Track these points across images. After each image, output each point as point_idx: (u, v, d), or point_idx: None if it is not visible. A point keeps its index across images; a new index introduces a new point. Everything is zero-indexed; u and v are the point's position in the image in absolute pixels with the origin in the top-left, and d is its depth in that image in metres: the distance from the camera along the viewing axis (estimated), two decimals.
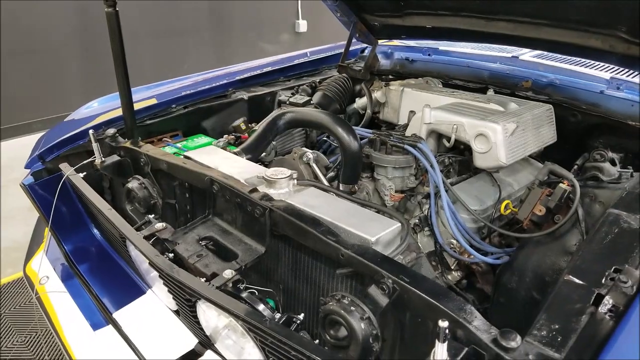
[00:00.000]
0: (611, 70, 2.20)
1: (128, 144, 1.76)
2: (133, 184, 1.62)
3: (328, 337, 1.06)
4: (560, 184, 1.47)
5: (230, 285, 1.15)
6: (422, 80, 2.26)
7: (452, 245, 1.71)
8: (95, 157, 1.73)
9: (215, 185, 1.39)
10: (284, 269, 1.32)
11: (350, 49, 2.64)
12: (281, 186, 1.38)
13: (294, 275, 1.32)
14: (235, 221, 1.41)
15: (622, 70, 2.17)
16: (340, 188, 1.74)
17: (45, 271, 1.83)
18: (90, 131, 1.70)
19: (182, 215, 1.66)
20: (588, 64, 2.28)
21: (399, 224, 1.22)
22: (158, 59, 6.15)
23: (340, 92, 2.26)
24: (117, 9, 1.64)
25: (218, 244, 1.38)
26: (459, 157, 1.86)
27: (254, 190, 1.33)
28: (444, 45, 2.68)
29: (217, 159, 1.58)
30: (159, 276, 1.28)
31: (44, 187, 1.77)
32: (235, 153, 1.69)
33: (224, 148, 1.91)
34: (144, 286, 1.66)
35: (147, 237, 1.32)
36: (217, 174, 1.42)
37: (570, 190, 1.46)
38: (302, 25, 7.56)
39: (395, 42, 2.85)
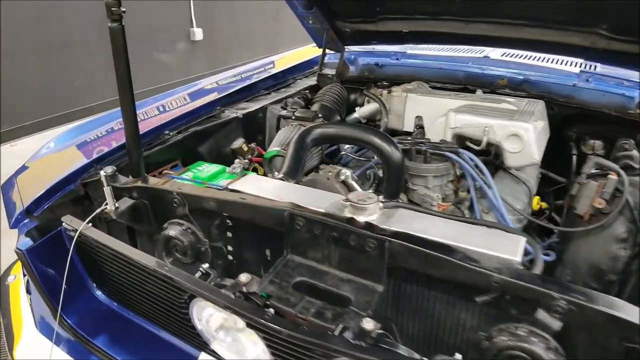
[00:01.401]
0: (578, 65, 2.38)
1: (140, 183, 1.49)
2: (174, 230, 1.37)
3: None
4: (610, 176, 1.54)
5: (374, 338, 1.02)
6: (415, 85, 2.24)
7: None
8: (106, 204, 1.43)
9: (299, 220, 1.23)
10: (384, 303, 1.21)
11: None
12: (371, 212, 1.25)
13: (395, 309, 1.22)
14: (328, 258, 1.24)
15: (589, 64, 2.36)
16: None
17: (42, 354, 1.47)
18: (102, 172, 1.41)
19: (224, 258, 1.45)
20: (555, 60, 2.44)
21: (524, 238, 1.17)
22: (44, 76, 5.45)
23: (338, 101, 2.16)
24: (123, 23, 1.38)
25: (315, 289, 1.21)
26: (488, 159, 1.87)
27: (352, 220, 1.20)
28: (411, 49, 2.70)
29: (271, 189, 1.40)
30: (265, 339, 1.09)
31: (45, 250, 1.42)
32: (280, 179, 1.51)
33: (243, 174, 1.72)
34: (181, 345, 1.42)
35: (240, 294, 1.12)
36: (293, 207, 1.26)
37: (617, 181, 1.54)
38: (198, 34, 7.21)
39: (357, 48, 2.81)
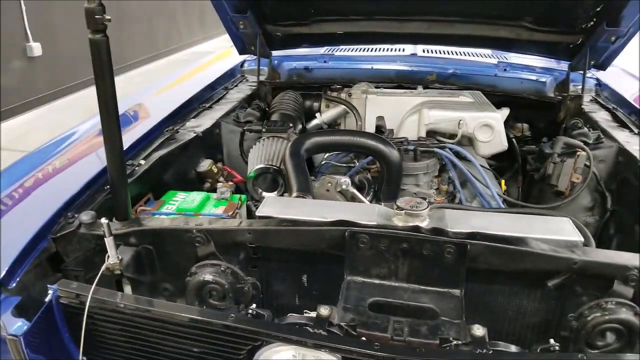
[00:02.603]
0: (495, 56, 2.61)
1: (137, 227, 1.25)
2: (209, 274, 1.16)
3: (594, 350, 1.04)
4: (580, 153, 1.71)
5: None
6: (363, 85, 2.23)
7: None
8: (109, 259, 1.17)
9: (363, 237, 1.14)
10: None
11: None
12: (424, 217, 1.22)
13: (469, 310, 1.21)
14: (395, 272, 1.17)
15: (502, 55, 2.61)
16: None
17: None
18: (103, 220, 1.14)
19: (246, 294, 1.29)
20: (472, 53, 2.65)
21: (567, 218, 1.24)
22: None
23: (297, 109, 2.06)
24: (107, 35, 1.13)
25: (392, 307, 1.13)
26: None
27: (418, 228, 1.15)
28: (338, 51, 2.69)
29: (302, 210, 1.27)
30: None
31: (39, 329, 1.09)
32: (298, 197, 1.38)
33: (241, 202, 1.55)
34: None
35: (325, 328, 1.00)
36: (352, 224, 1.16)
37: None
38: (36, 49, 6.31)
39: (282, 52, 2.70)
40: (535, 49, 2.29)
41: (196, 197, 1.56)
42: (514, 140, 2.24)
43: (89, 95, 6.99)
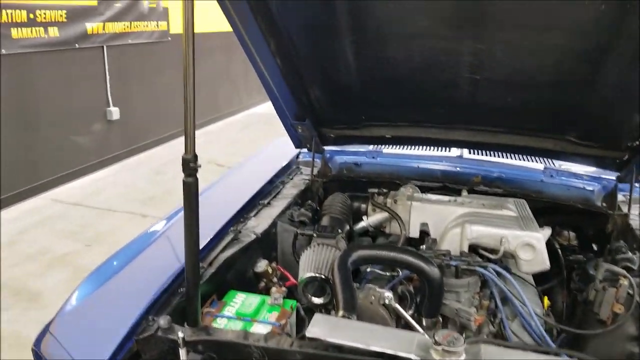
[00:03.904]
0: (542, 161, 2.70)
1: (206, 336, 1.42)
2: None
3: None
4: (622, 281, 1.76)
5: None
6: (409, 189, 2.38)
7: None
8: None
9: None
10: None
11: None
12: (460, 353, 1.31)
13: None
14: None
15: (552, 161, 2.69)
16: (424, 323, 1.73)
17: None
18: (180, 334, 1.32)
19: None
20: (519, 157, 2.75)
21: None
22: None
23: (345, 212, 2.23)
24: (197, 177, 1.36)
25: None
26: (503, 266, 2.02)
27: None
28: (386, 148, 2.87)
29: (347, 333, 1.40)
30: None
31: None
32: (343, 317, 1.52)
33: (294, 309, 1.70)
34: None
35: None
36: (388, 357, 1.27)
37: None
38: (115, 113, 6.94)
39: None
40: (581, 160, 2.37)
41: (253, 300, 1.73)
42: (559, 250, 2.30)
43: (155, 154, 7.54)
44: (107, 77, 6.72)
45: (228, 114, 10.30)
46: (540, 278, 2.17)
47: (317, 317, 1.53)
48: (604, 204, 2.38)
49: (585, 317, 1.83)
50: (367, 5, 1.78)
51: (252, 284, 1.95)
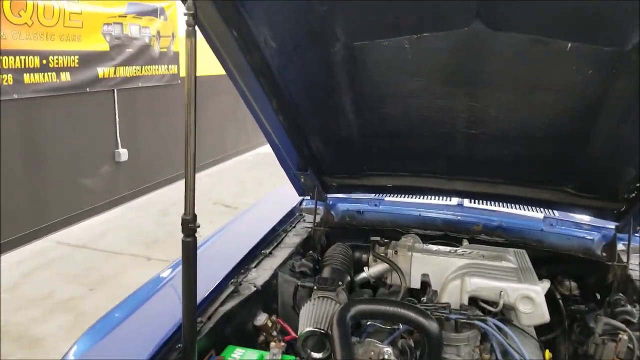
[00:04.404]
0: (542, 210, 2.72)
1: None
2: None
3: None
4: (622, 336, 1.75)
5: None
6: (411, 239, 2.40)
7: None
8: None
9: None
10: None
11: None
12: None
13: None
14: None
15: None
16: None
17: None
18: None
19: None
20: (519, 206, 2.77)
21: None
22: None
23: (346, 262, 2.25)
24: (196, 237, 1.40)
25: None
26: (504, 319, 2.02)
27: None
28: (388, 196, 2.91)
29: None
30: None
31: None
32: None
33: None
34: None
35: None
36: None
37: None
38: (123, 155, 7.06)
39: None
40: (580, 211, 2.39)
41: (251, 356, 1.73)
42: (560, 301, 2.29)
43: (162, 194, 7.62)
44: (117, 119, 6.88)
45: (235, 154, 10.44)
46: (542, 329, 2.15)
47: None
48: (604, 254, 2.39)
49: None
50: (365, 68, 1.85)
51: (252, 337, 1.95)
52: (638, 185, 2.12)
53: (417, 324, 1.70)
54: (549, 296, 2.35)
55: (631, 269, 2.27)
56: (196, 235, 1.42)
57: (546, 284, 1.94)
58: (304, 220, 2.85)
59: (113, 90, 6.74)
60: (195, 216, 1.40)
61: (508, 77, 1.76)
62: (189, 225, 1.39)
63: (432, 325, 1.70)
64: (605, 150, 2.00)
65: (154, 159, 7.80)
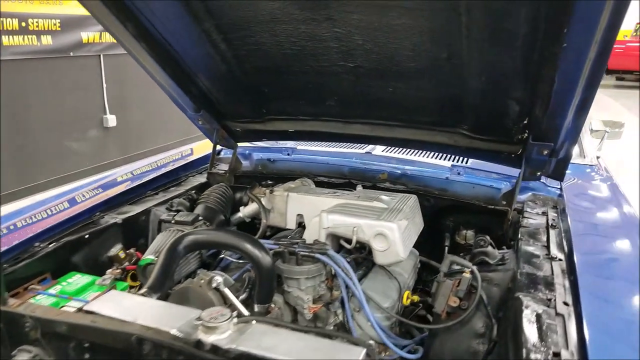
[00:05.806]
0: (450, 159, 2.60)
1: None
2: (21, 357, 1.29)
3: None
4: (465, 274, 1.65)
5: None
6: (299, 182, 2.34)
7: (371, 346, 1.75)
8: None
9: (147, 344, 1.21)
10: None
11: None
12: (223, 330, 1.26)
13: None
14: None
15: (459, 159, 2.59)
16: (256, 309, 1.68)
17: None
18: None
19: None
20: (430, 155, 2.65)
21: (364, 349, 1.21)
22: None
23: (222, 202, 2.20)
24: None
25: None
26: (361, 256, 1.95)
27: (199, 342, 1.19)
28: (301, 145, 2.84)
29: (128, 308, 1.37)
30: None
31: None
32: (143, 295, 1.49)
33: (112, 287, 1.68)
34: None
35: None
36: (143, 330, 1.24)
37: (472, 278, 1.66)
38: (111, 120, 7.15)
39: (250, 144, 2.92)
40: (481, 155, 2.26)
41: (83, 280, 1.72)
42: (446, 248, 2.20)
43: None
44: (104, 84, 6.95)
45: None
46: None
47: (110, 293, 1.51)
48: (504, 202, 2.26)
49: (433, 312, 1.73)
50: None
51: (107, 268, 1.94)
52: (525, 122, 1.99)
53: (249, 254, 1.65)
54: (438, 243, 2.28)
55: (526, 217, 2.14)
56: None
57: (403, 223, 1.85)
58: (216, 167, 2.81)
59: (99, 56, 6.80)
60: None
61: None
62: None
63: (263, 256, 1.65)
64: (482, 82, 1.87)
65: (144, 126, 7.86)
